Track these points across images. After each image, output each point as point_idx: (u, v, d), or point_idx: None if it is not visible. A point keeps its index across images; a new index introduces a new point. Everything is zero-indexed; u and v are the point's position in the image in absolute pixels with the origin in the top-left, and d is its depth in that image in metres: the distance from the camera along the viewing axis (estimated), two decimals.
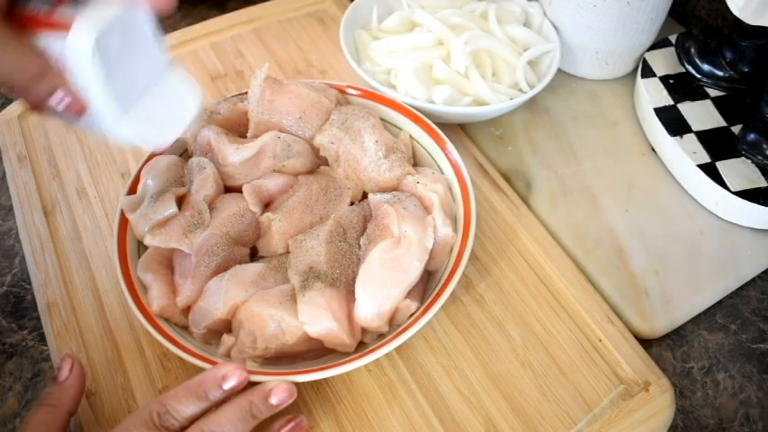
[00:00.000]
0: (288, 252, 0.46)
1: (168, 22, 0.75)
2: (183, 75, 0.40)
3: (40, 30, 0.34)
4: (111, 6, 0.34)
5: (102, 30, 0.33)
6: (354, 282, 0.44)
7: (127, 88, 0.37)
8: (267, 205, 0.50)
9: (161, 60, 0.39)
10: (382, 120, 0.54)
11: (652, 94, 0.59)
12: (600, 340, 0.46)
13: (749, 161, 0.54)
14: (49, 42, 0.34)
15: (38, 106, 0.37)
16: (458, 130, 0.60)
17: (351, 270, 0.45)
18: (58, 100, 0.35)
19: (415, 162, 0.54)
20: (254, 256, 0.49)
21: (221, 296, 0.43)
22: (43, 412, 0.38)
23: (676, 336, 0.49)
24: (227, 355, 0.43)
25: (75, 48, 0.33)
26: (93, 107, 0.36)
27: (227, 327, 0.44)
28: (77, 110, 0.36)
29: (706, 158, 0.54)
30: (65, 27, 0.33)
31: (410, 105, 0.54)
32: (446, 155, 0.51)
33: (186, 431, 0.36)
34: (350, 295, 0.44)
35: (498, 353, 0.46)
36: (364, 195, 0.51)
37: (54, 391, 0.39)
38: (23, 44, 0.34)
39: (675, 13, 0.71)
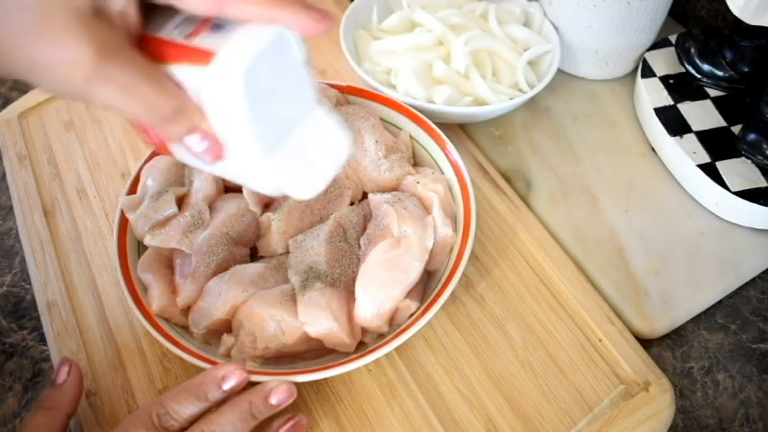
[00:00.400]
0: (288, 252, 0.46)
1: None
2: (330, 112, 0.35)
3: (175, 59, 0.29)
4: (260, 32, 0.29)
5: (250, 61, 0.28)
6: (354, 282, 0.44)
7: (272, 128, 0.31)
8: (267, 205, 0.50)
9: (309, 95, 0.33)
10: (382, 120, 0.54)
11: (652, 94, 0.59)
12: (600, 340, 0.46)
13: (749, 161, 0.54)
14: (186, 74, 0.29)
15: (164, 146, 0.33)
16: (458, 130, 0.60)
17: (351, 270, 0.45)
18: (193, 143, 0.30)
19: (415, 162, 0.54)
20: (254, 256, 0.49)
21: (221, 296, 0.43)
22: (42, 415, 0.38)
23: (676, 336, 0.49)
24: (227, 355, 0.43)
25: (218, 84, 0.28)
26: (234, 151, 0.31)
27: (227, 327, 0.44)
28: (214, 152, 0.31)
29: (706, 158, 0.54)
30: (205, 58, 0.28)
31: (410, 105, 0.54)
32: (446, 155, 0.51)
33: None
34: (350, 295, 0.44)
35: (498, 353, 0.46)
36: (364, 195, 0.51)
37: (52, 393, 0.39)
38: (158, 77, 0.29)
39: (675, 13, 0.71)
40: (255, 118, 0.29)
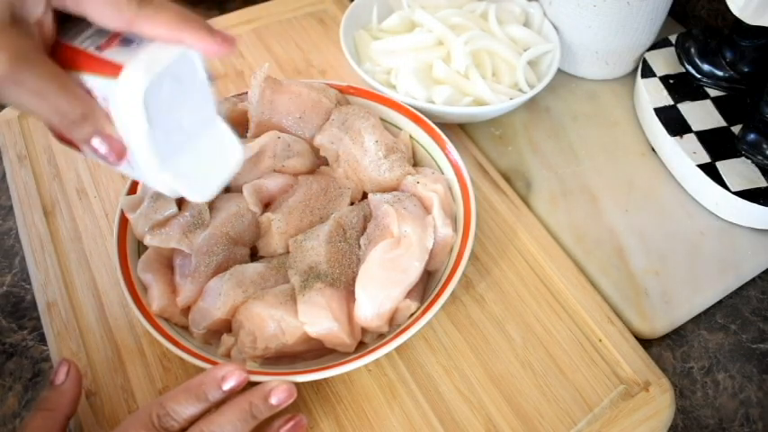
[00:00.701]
0: (288, 252, 0.46)
1: None
2: (224, 126, 0.38)
3: (85, 69, 0.31)
4: (165, 51, 0.32)
5: (153, 78, 0.31)
6: (354, 282, 0.44)
7: (171, 137, 0.34)
8: (267, 205, 0.50)
9: (207, 109, 0.37)
10: (382, 120, 0.54)
11: (652, 94, 0.59)
12: (600, 340, 0.46)
13: (749, 161, 0.54)
14: (95, 83, 0.31)
15: (71, 143, 0.35)
16: (458, 130, 0.60)
17: (351, 270, 0.45)
18: (97, 144, 0.33)
19: (415, 162, 0.54)
20: (254, 256, 0.49)
21: (221, 296, 0.43)
22: (41, 416, 0.38)
23: (676, 336, 0.49)
24: (227, 355, 0.43)
25: (123, 94, 0.31)
26: (134, 155, 0.33)
27: (227, 327, 0.44)
28: (117, 155, 0.33)
29: (706, 158, 0.54)
30: (113, 69, 0.31)
31: (410, 105, 0.54)
32: (446, 155, 0.51)
33: None
34: (350, 295, 0.44)
35: (498, 353, 0.46)
36: (364, 195, 0.51)
37: (51, 395, 0.39)
38: (68, 84, 0.31)
39: (675, 13, 0.71)
40: (154, 129, 0.32)
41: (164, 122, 0.33)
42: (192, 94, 0.35)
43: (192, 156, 0.36)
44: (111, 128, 0.32)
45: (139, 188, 0.49)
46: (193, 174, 0.36)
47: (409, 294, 0.44)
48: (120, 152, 0.33)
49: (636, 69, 0.63)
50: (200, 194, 0.37)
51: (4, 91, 0.30)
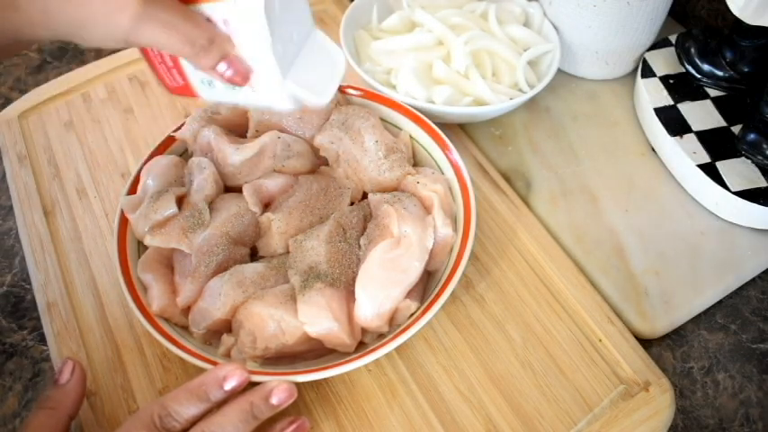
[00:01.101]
0: (288, 252, 0.46)
1: None
2: (322, 33, 0.40)
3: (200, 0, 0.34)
4: None
5: None
6: (354, 282, 0.44)
7: (286, 48, 0.37)
8: (267, 205, 0.50)
9: (309, 20, 0.39)
10: (382, 120, 0.54)
11: (652, 94, 0.59)
12: (600, 340, 0.46)
13: (749, 161, 0.54)
14: (213, 10, 0.34)
15: (185, 91, 0.39)
16: (458, 130, 0.60)
17: (351, 270, 0.45)
18: (224, 69, 0.36)
19: (415, 162, 0.54)
20: (254, 256, 0.49)
21: (221, 296, 0.43)
22: (44, 415, 0.37)
23: (676, 336, 0.50)
24: (227, 355, 0.43)
25: (245, 13, 0.33)
26: (259, 72, 0.37)
27: (227, 327, 0.44)
28: (242, 77, 0.37)
29: (706, 158, 0.54)
30: None
31: (410, 105, 0.54)
32: (446, 155, 0.51)
33: None
34: (350, 295, 0.44)
35: (498, 353, 0.46)
36: (364, 195, 0.51)
37: (55, 393, 0.39)
38: (191, 15, 0.34)
39: (675, 13, 0.71)
40: (275, 41, 0.35)
41: (279, 35, 0.35)
42: (295, 6, 0.37)
43: (305, 64, 0.39)
44: (234, 50, 0.35)
45: (139, 188, 0.49)
46: (311, 80, 0.39)
47: (409, 294, 0.44)
48: (244, 73, 0.37)
49: (636, 69, 0.63)
50: (322, 98, 0.39)
51: (138, 30, 0.32)
